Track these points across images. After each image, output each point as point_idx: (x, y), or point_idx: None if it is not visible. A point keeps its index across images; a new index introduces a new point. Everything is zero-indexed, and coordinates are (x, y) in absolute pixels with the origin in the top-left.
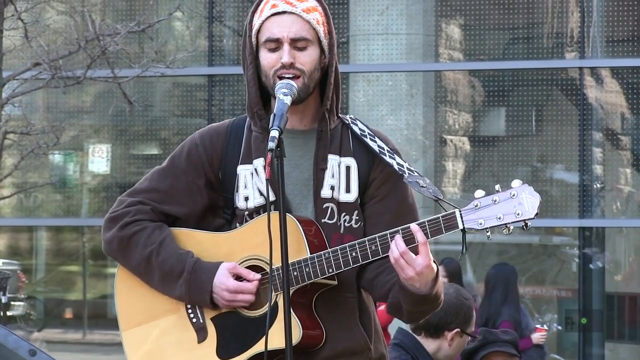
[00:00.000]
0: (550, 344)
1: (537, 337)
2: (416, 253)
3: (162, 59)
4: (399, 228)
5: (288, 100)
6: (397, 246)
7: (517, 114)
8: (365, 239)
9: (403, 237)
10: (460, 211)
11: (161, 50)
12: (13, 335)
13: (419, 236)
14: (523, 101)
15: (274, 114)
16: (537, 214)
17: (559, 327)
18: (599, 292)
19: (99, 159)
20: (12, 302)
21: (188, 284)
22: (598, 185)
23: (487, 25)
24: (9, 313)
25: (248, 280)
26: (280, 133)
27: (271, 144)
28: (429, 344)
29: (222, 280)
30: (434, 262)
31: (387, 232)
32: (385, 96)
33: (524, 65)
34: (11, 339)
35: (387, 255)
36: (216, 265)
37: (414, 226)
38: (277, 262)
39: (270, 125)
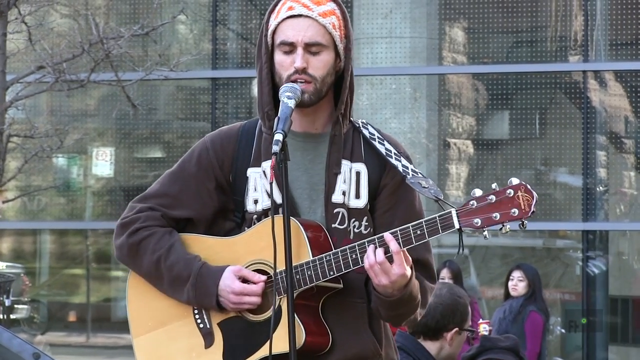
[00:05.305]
0: (554, 347)
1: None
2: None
3: (166, 62)
4: (375, 237)
5: (292, 103)
6: (376, 255)
7: (520, 117)
8: (365, 240)
9: (380, 245)
10: (456, 211)
11: (165, 54)
12: (17, 338)
13: (393, 245)
14: (527, 104)
15: (278, 117)
16: (533, 212)
17: (563, 331)
18: (603, 296)
19: (103, 162)
20: (15, 305)
21: (195, 288)
22: (602, 189)
23: (491, 29)
24: (12, 316)
25: (254, 283)
26: (284, 136)
27: (275, 148)
28: (429, 346)
29: (228, 283)
30: (411, 267)
31: (376, 236)
32: (389, 99)
33: (527, 69)
34: (15, 342)
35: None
36: (222, 269)
37: (387, 235)
38: (281, 266)
39: (274, 129)
